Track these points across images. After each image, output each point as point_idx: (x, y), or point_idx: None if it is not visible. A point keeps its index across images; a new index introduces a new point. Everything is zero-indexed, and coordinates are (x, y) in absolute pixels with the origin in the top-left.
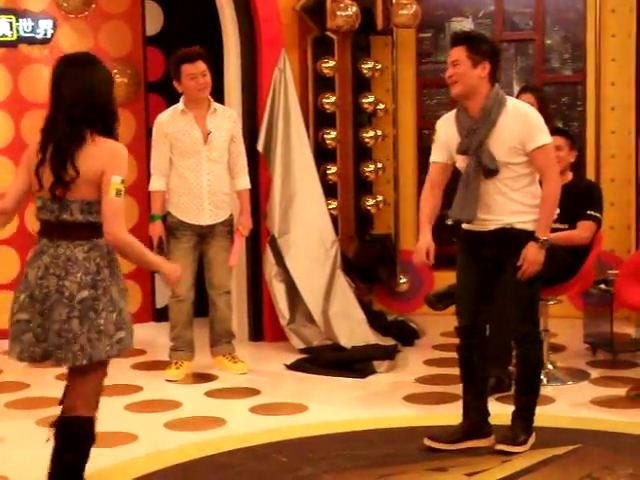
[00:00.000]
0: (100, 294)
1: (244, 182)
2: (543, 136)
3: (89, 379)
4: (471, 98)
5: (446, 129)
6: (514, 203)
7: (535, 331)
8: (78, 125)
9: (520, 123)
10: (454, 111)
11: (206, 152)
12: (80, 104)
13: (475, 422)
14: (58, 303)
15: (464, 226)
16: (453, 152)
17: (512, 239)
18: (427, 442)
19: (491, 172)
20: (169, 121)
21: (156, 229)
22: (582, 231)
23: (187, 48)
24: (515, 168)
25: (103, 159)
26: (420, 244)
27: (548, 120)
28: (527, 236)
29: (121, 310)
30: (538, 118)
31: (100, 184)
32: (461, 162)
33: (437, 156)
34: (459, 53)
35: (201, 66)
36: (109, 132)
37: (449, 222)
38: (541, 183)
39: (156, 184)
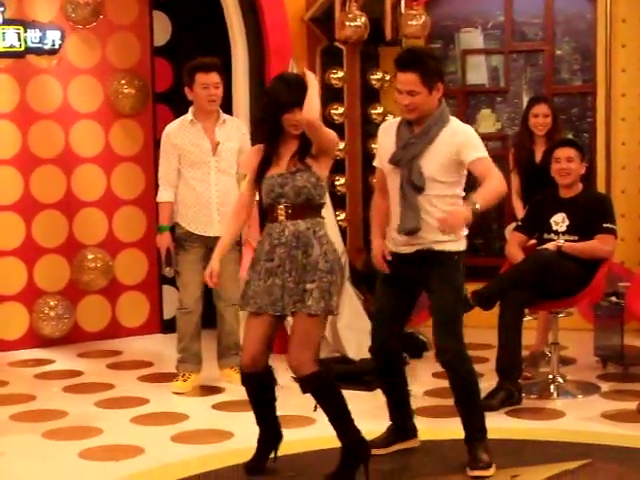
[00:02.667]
0: None
1: None
2: (481, 151)
3: None
4: (424, 117)
5: (384, 136)
6: (435, 224)
7: (460, 349)
8: None
9: (459, 137)
10: (398, 119)
11: (215, 163)
12: None
13: (399, 425)
14: None
15: (390, 247)
16: (384, 159)
17: (431, 260)
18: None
19: (417, 188)
20: (178, 132)
21: (164, 240)
22: (604, 244)
23: (205, 57)
24: (442, 187)
25: None
26: (374, 252)
27: (558, 131)
28: (447, 256)
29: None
30: (477, 136)
31: None
32: (390, 172)
33: (377, 161)
34: (413, 81)
35: (215, 77)
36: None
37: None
38: None
39: (164, 195)
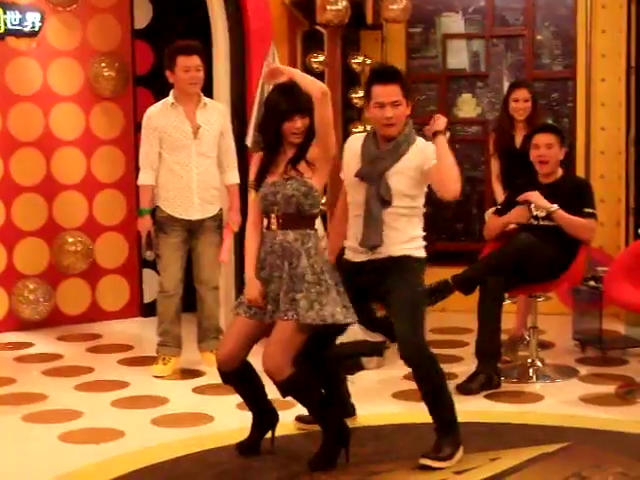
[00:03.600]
0: None
1: (233, 177)
2: None
3: None
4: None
5: (349, 151)
6: (394, 234)
7: (422, 343)
8: None
9: (426, 150)
10: (362, 135)
11: (196, 147)
12: None
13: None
14: None
15: (349, 257)
16: (349, 173)
17: (390, 265)
18: (295, 423)
19: (385, 203)
20: (159, 115)
21: (145, 224)
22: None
23: (186, 40)
24: (408, 200)
25: None
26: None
27: (538, 116)
28: (405, 260)
29: None
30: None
31: None
32: (355, 185)
33: (343, 176)
34: (397, 92)
35: (196, 60)
36: None
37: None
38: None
39: (145, 178)
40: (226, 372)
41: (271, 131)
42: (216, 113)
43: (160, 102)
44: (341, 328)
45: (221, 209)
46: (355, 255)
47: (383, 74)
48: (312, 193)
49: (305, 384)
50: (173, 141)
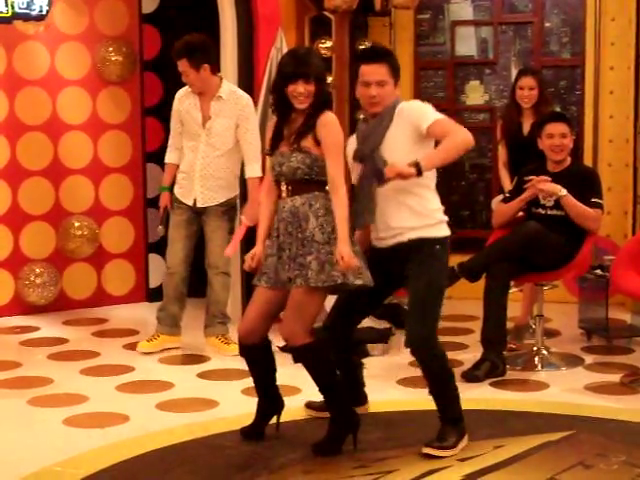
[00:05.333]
0: None
1: (252, 170)
2: (434, 114)
3: None
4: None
5: (350, 146)
6: (406, 212)
7: (429, 338)
8: None
9: (408, 113)
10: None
11: (205, 136)
12: None
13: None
14: None
15: (373, 243)
16: (349, 160)
17: (408, 251)
18: (306, 411)
19: (383, 176)
20: (181, 99)
21: (163, 200)
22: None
23: (181, 41)
24: None
25: None
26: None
27: (546, 103)
28: (420, 243)
29: None
30: (426, 104)
31: None
32: (354, 169)
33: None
34: (383, 72)
35: (181, 66)
36: None
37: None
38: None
39: (168, 157)
40: (246, 345)
41: (277, 93)
42: (232, 105)
43: (187, 86)
44: (361, 291)
45: (235, 196)
46: (377, 241)
47: (370, 53)
48: (318, 163)
49: (319, 356)
50: (187, 126)
